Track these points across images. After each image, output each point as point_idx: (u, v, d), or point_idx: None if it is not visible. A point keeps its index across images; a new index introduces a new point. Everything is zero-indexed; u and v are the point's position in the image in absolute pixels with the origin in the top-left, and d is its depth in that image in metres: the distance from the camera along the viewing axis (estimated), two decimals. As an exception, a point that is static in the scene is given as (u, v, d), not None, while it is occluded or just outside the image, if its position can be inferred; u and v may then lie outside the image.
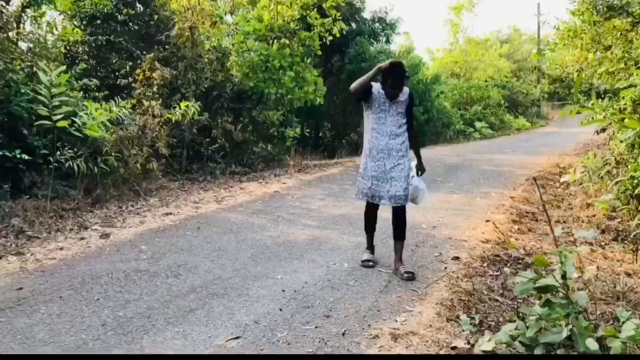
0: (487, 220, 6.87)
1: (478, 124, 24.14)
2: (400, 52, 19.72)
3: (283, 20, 12.13)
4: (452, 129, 22.29)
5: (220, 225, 6.54)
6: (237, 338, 3.45)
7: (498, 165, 12.98)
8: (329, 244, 5.74)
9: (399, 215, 4.87)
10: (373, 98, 4.79)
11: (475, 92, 26.25)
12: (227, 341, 3.40)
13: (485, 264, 5.16)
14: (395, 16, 20.31)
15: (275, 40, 12.05)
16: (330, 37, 12.77)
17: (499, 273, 4.90)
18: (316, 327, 3.65)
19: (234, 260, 5.13)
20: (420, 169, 5.00)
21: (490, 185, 9.73)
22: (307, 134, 14.60)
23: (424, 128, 19.42)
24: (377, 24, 19.66)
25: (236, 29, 12.71)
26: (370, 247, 5.20)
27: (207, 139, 10.94)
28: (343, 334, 3.55)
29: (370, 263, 5.00)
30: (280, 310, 3.93)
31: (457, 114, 23.94)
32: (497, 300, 4.19)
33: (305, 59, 12.24)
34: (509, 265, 5.15)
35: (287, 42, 12.03)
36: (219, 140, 10.83)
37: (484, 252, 5.56)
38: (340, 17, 12.85)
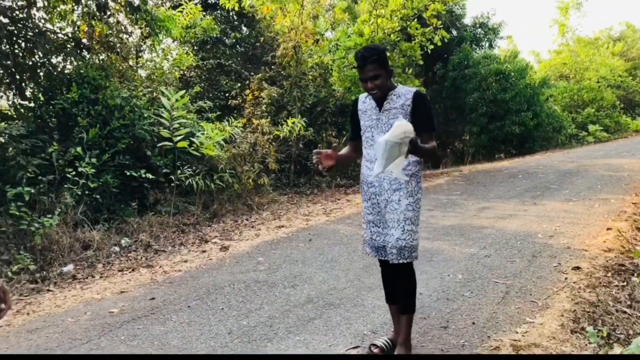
0: (609, 229, 6.50)
1: (591, 127, 22.86)
2: (505, 57, 19.15)
3: (383, 33, 12.20)
4: (564, 133, 21.30)
5: (331, 237, 6.68)
6: (356, 347, 3.53)
7: (616, 169, 12.21)
8: (441, 255, 5.69)
9: (399, 277, 3.36)
10: (359, 116, 3.40)
11: (587, 93, 24.92)
12: (346, 350, 3.48)
13: (609, 274, 4.90)
14: (497, 20, 19.86)
15: (376, 53, 12.13)
16: (432, 46, 12.68)
17: (625, 283, 4.64)
18: (434, 338, 3.64)
19: (347, 271, 5.23)
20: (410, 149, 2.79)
21: (610, 192, 9.18)
22: (410, 144, 14.53)
23: (533, 133, 18.74)
24: (479, 30, 19.36)
25: (337, 44, 12.96)
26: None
27: (313, 153, 11.21)
28: (462, 346, 3.52)
29: (376, 350, 3.41)
30: (397, 320, 3.97)
31: (568, 117, 22.85)
32: (625, 312, 3.97)
33: (407, 70, 12.23)
34: (636, 275, 4.86)
35: (388, 54, 12.08)
36: (324, 154, 11.06)
37: (607, 261, 5.27)
38: (441, 26, 12.74)
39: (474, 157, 17.53)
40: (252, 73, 11.83)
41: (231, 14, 12.83)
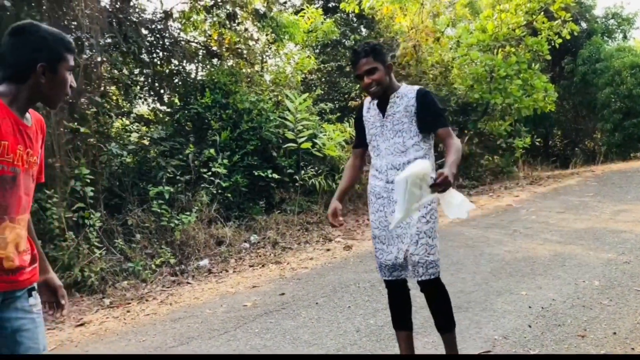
0: None
1: None
2: (642, 48, 17.75)
3: (507, 28, 11.76)
4: None
5: (455, 239, 6.56)
6: (488, 352, 3.45)
7: None
8: (574, 260, 5.40)
9: (429, 295, 3.04)
10: (364, 123, 3.11)
11: None
12: (478, 355, 3.42)
13: None
14: (632, 10, 18.52)
15: (499, 49, 11.74)
16: (560, 40, 12.02)
17: None
18: (571, 347, 3.48)
19: (474, 274, 5.12)
20: (440, 182, 2.43)
21: None
22: (537, 143, 13.88)
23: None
24: (611, 21, 18.17)
25: (458, 41, 12.68)
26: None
27: (433, 153, 11.08)
28: (603, 357, 3.33)
29: None
30: (529, 326, 3.83)
31: None
32: None
33: (533, 65, 11.70)
34: None
35: (513, 49, 11.64)
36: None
37: None
38: (570, 18, 12.04)
39: (606, 156, 16.39)
40: (371, 74, 11.90)
41: (351, 16, 12.98)
